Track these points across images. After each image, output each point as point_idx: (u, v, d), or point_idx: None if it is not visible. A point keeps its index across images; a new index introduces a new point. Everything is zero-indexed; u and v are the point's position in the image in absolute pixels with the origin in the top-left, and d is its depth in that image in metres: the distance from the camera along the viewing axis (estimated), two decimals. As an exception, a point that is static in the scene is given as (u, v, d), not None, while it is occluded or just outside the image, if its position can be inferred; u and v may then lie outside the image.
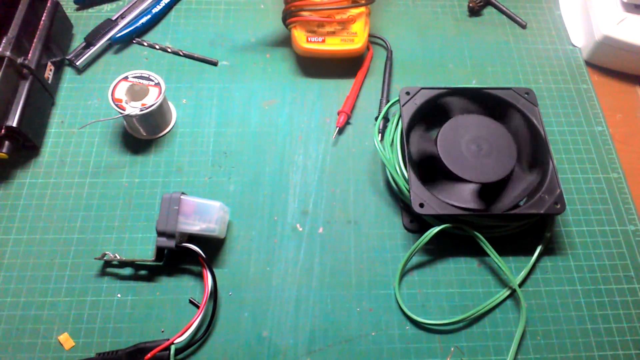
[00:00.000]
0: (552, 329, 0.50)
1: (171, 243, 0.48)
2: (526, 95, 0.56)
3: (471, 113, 0.55)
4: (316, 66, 0.65)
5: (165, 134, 0.59)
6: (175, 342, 0.46)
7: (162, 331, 0.48)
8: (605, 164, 0.59)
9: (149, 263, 0.50)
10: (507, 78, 0.66)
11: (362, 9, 0.63)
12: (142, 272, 0.51)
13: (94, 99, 0.61)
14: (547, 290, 0.52)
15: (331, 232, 0.54)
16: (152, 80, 0.55)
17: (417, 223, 0.54)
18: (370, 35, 0.65)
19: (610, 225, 0.56)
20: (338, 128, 0.60)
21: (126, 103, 0.54)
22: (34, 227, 0.53)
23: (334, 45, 0.62)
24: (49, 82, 0.59)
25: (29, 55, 0.56)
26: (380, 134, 0.58)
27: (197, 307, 0.49)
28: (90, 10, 0.69)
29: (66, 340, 0.47)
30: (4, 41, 0.54)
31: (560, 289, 0.52)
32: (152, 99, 0.54)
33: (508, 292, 0.51)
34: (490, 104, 0.57)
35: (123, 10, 0.67)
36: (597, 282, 0.52)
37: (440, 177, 0.52)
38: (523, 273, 0.52)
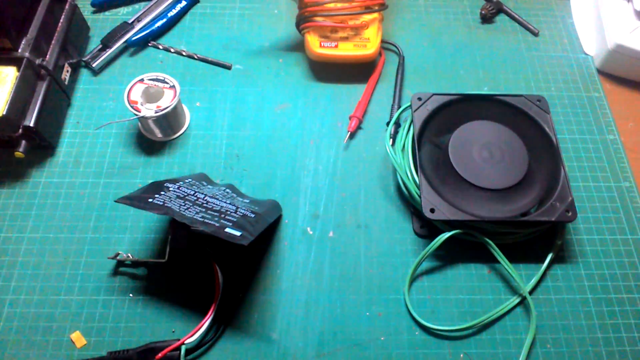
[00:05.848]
0: (562, 337, 0.49)
1: (183, 244, 0.49)
2: (538, 102, 0.57)
3: (483, 120, 0.55)
4: (329, 71, 0.65)
5: (178, 136, 0.60)
6: (185, 342, 0.46)
7: (173, 331, 0.49)
8: (617, 173, 0.59)
9: (161, 263, 0.51)
10: (518, 85, 0.66)
11: (375, 15, 0.63)
12: (155, 273, 0.51)
13: (110, 100, 0.62)
14: (558, 298, 0.51)
15: (341, 236, 0.54)
16: (167, 83, 0.56)
17: (427, 228, 0.54)
18: (382, 41, 0.65)
19: (622, 234, 0.55)
20: (349, 132, 0.60)
21: (141, 105, 0.55)
22: (48, 225, 0.54)
23: (346, 50, 0.62)
24: (66, 83, 0.60)
25: (47, 56, 0.57)
26: (391, 139, 0.58)
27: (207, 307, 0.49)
28: (106, 13, 0.70)
29: (78, 338, 0.48)
30: (23, 42, 0.55)
31: (571, 297, 0.52)
32: (167, 101, 0.55)
33: (518, 300, 0.51)
34: (502, 110, 0.57)
35: (139, 14, 0.68)
36: (608, 291, 0.52)
37: (451, 182, 0.52)
38: (533, 280, 0.52)
